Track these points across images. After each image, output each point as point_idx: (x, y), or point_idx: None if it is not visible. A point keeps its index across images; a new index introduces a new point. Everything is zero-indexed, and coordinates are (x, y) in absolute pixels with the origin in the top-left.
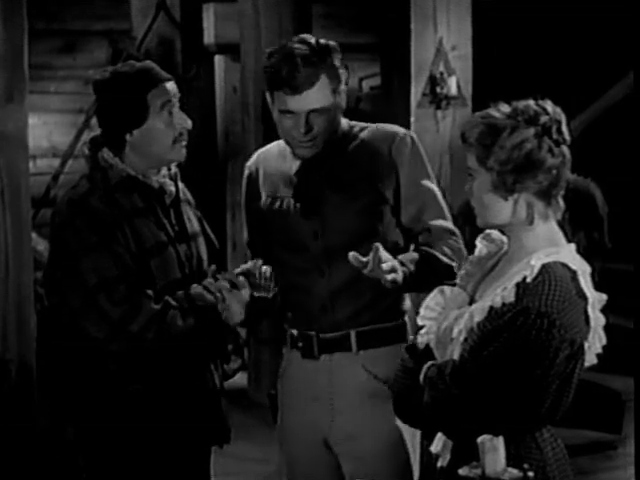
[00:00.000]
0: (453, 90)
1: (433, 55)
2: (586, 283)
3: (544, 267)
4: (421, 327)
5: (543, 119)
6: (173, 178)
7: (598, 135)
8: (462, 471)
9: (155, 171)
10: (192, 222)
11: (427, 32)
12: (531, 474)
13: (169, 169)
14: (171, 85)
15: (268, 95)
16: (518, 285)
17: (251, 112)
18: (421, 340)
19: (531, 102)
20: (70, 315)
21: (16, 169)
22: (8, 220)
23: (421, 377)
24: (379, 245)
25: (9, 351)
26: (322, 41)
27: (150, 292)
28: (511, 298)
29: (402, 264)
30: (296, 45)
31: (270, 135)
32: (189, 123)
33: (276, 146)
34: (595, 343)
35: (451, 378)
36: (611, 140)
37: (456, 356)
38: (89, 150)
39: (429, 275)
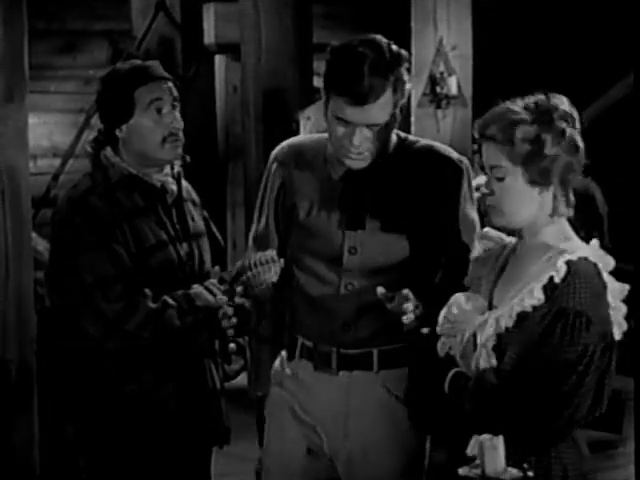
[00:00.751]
0: (453, 90)
1: (433, 55)
2: (607, 274)
3: (570, 265)
4: (433, 335)
5: (559, 112)
6: (176, 177)
7: (598, 135)
8: (462, 471)
9: (156, 170)
10: (196, 221)
11: (427, 32)
12: (531, 474)
13: (172, 168)
14: (165, 85)
15: (323, 92)
16: (545, 286)
17: (251, 112)
18: (442, 349)
19: (543, 97)
20: (68, 313)
21: (16, 169)
22: (8, 220)
23: (446, 385)
24: (409, 293)
25: (9, 351)
26: (394, 48)
27: (148, 291)
28: (540, 300)
29: (417, 307)
30: (366, 49)
31: (270, 135)
32: (180, 124)
33: (312, 143)
34: (616, 331)
35: (498, 386)
36: (611, 140)
37: (484, 363)
38: (91, 148)
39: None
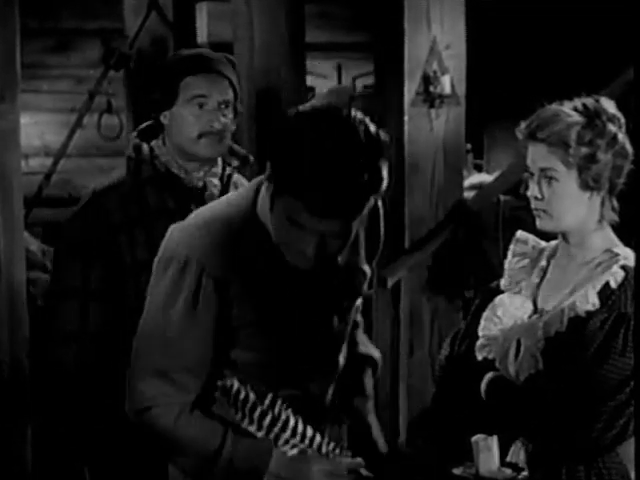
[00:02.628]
0: (447, 89)
1: (427, 54)
2: None
3: (627, 270)
4: (467, 337)
5: (608, 115)
6: (224, 178)
7: None
8: (456, 471)
9: (199, 166)
10: None
11: (421, 31)
12: (525, 474)
13: (224, 169)
14: (216, 80)
15: (272, 178)
16: (601, 292)
17: (244, 111)
18: (481, 353)
19: (590, 99)
20: (46, 311)
21: (8, 168)
22: (0, 219)
23: (484, 388)
24: None
25: (1, 351)
26: (383, 138)
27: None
28: (595, 305)
29: None
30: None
31: (264, 134)
32: (221, 125)
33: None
34: None
35: (558, 391)
36: None
37: (529, 368)
38: (135, 138)
39: None
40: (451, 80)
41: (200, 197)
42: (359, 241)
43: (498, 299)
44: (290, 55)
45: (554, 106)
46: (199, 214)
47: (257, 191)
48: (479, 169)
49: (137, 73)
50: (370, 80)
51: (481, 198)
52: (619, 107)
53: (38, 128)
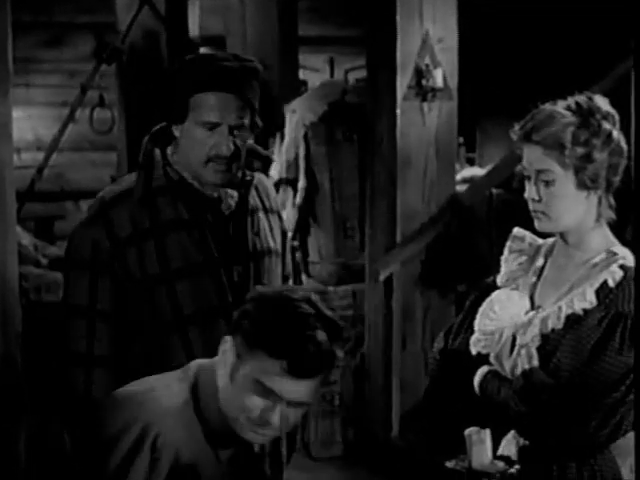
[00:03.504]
0: (439, 82)
1: (419, 47)
2: None
3: (625, 269)
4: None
5: (602, 113)
6: (244, 185)
7: None
8: (449, 464)
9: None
10: (264, 236)
11: (413, 24)
12: (517, 467)
13: (243, 175)
14: (230, 101)
15: (242, 342)
16: (598, 290)
17: None
18: (475, 347)
19: (584, 97)
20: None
21: (0, 162)
22: None
23: (477, 382)
24: None
25: None
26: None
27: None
28: (593, 303)
29: None
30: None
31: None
32: (228, 151)
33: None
34: None
35: (553, 386)
36: None
37: (524, 364)
38: (148, 143)
39: None
40: (443, 74)
41: (217, 207)
42: None
43: (495, 295)
44: (282, 49)
45: (548, 107)
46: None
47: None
48: (471, 163)
49: (129, 67)
50: (362, 74)
51: (473, 192)
52: (611, 102)
53: (30, 122)
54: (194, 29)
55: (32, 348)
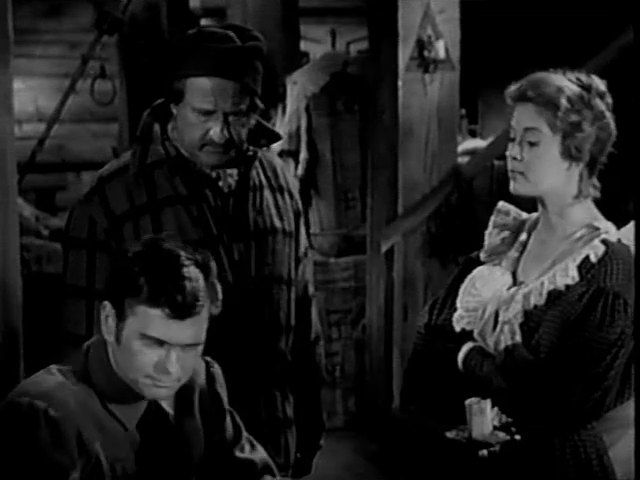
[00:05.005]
0: (441, 54)
1: (421, 18)
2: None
3: (607, 244)
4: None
5: (599, 92)
6: (245, 162)
7: None
8: (449, 434)
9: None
10: (268, 214)
11: None
12: (518, 437)
13: (245, 151)
14: (227, 86)
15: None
16: (580, 265)
17: None
18: (459, 324)
19: (584, 74)
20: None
21: (1, 134)
22: None
23: (461, 359)
24: None
25: None
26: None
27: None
28: (575, 279)
29: None
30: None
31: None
32: (221, 139)
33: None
34: None
35: (534, 362)
36: None
37: (507, 340)
38: (148, 117)
39: None
40: (445, 45)
41: (215, 184)
42: None
43: (477, 271)
44: (284, 20)
45: (545, 72)
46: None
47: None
48: (473, 134)
49: (130, 38)
50: (364, 45)
51: (475, 163)
52: (612, 75)
53: (31, 93)
54: (195, 0)
55: (33, 319)
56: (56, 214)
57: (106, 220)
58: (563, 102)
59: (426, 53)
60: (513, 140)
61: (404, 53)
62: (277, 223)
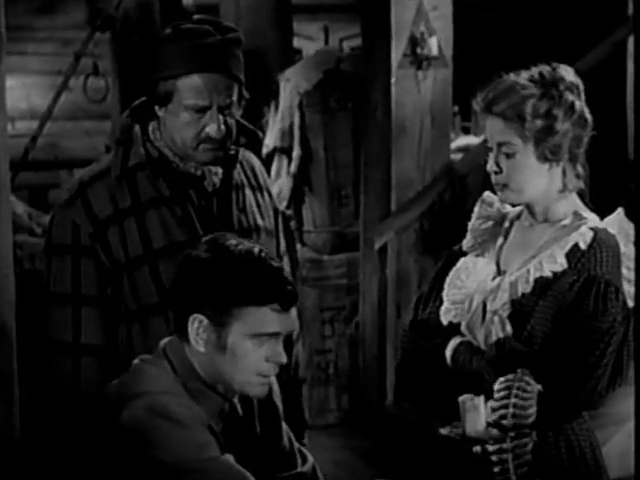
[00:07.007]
0: (434, 50)
1: (414, 15)
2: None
3: (596, 232)
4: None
5: (566, 84)
6: (229, 159)
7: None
8: (443, 430)
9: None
10: (251, 213)
11: None
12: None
13: (228, 150)
14: (219, 81)
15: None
16: (569, 253)
17: None
18: (446, 317)
19: (548, 67)
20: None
21: None
22: None
23: (449, 353)
24: None
25: None
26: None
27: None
28: (563, 266)
29: None
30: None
31: (250, 96)
32: (219, 134)
33: None
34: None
35: (527, 354)
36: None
37: (498, 331)
38: (126, 118)
39: None
40: (438, 42)
41: (199, 184)
42: None
43: (461, 262)
44: (277, 17)
45: (510, 77)
46: None
47: None
48: (466, 131)
49: (123, 35)
50: (357, 42)
51: (468, 160)
52: (606, 70)
53: (24, 91)
54: None
55: (25, 316)
56: (49, 212)
57: (90, 224)
58: (528, 111)
59: (419, 50)
60: (491, 150)
61: (397, 50)
62: (260, 221)
